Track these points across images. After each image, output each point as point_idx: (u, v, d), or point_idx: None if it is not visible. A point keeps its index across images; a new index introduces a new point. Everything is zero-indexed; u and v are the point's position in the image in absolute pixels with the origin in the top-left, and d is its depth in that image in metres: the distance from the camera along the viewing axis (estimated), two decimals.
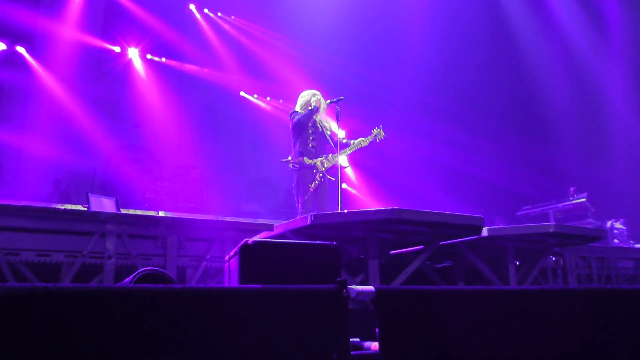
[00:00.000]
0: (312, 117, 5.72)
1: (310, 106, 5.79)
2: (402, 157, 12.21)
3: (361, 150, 5.94)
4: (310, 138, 5.70)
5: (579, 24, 11.61)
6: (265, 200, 12.44)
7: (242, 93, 13.35)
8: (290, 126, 5.84)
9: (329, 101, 5.81)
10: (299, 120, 5.72)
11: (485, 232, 4.20)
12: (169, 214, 5.43)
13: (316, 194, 5.62)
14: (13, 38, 10.45)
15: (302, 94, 5.95)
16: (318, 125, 5.81)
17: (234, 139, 12.94)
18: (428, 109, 12.78)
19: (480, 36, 12.21)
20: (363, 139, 5.78)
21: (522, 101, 12.17)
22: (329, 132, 5.76)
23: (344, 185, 11.24)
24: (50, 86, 10.68)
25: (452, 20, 12.27)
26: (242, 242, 2.41)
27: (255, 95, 13.43)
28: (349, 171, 12.11)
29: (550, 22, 12.00)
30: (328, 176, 5.65)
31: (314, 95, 5.85)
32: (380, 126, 5.86)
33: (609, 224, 8.31)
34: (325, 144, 5.78)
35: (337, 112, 5.58)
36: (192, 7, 12.66)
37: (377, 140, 5.84)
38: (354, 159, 6.53)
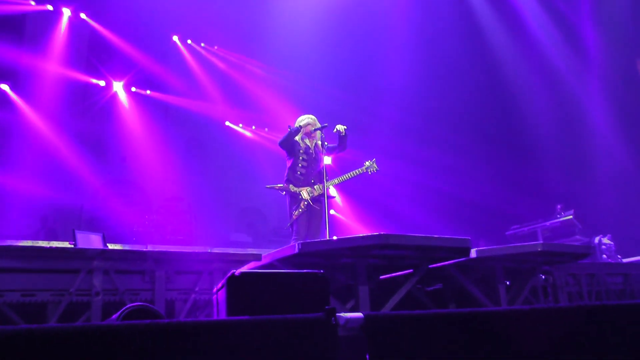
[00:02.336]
0: (290, 138, 5.77)
1: (311, 131, 5.87)
2: (389, 182, 12.15)
3: None
4: (300, 165, 5.75)
5: (557, 45, 11.80)
6: (254, 229, 12.36)
7: (227, 123, 13.38)
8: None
9: (313, 128, 5.88)
10: (279, 143, 5.82)
11: (473, 253, 4.22)
12: (157, 248, 5.38)
13: (304, 222, 5.65)
14: None
15: (297, 119, 6.03)
16: (312, 151, 5.86)
17: (221, 169, 12.83)
18: (414, 133, 12.86)
19: (463, 60, 12.32)
20: (354, 171, 5.86)
21: (506, 122, 12.23)
22: (325, 161, 5.82)
23: (331, 212, 11.32)
24: (35, 122, 10.64)
25: (434, 44, 12.37)
26: (229, 274, 2.39)
27: (241, 125, 13.47)
28: (337, 198, 12.22)
29: (529, 44, 12.14)
30: (312, 204, 5.67)
31: (307, 118, 5.93)
32: (374, 159, 5.95)
33: (596, 239, 8.33)
34: (317, 171, 5.81)
35: (322, 139, 5.66)
36: (175, 38, 12.68)
37: (369, 173, 5.92)
38: (340, 184, 6.39)
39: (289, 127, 5.80)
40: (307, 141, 5.93)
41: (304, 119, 5.91)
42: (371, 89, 12.86)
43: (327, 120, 5.97)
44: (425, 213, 11.97)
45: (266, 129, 13.30)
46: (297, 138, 5.89)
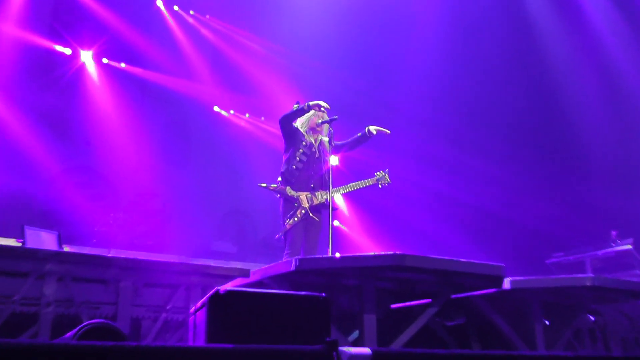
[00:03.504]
0: (297, 116, 5.92)
1: (317, 124, 6.00)
2: (407, 189, 12.02)
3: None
4: (297, 159, 5.88)
5: (623, 45, 11.57)
6: (242, 237, 12.41)
7: (216, 108, 13.27)
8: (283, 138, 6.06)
9: (320, 120, 6.00)
10: (281, 118, 5.93)
11: (507, 283, 4.20)
12: (122, 253, 5.36)
13: (299, 233, 5.77)
14: None
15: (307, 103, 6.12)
16: (315, 149, 5.99)
17: (205, 163, 12.79)
18: (440, 134, 12.74)
19: (507, 54, 12.04)
20: (362, 181, 6.05)
21: (554, 129, 11.97)
22: (331, 160, 5.94)
23: (335, 223, 11.28)
24: None
25: (473, 32, 12.18)
26: (211, 291, 2.39)
27: (232, 111, 13.38)
28: (342, 208, 12.26)
29: (589, 41, 11.87)
30: (311, 215, 5.80)
31: (320, 103, 6.00)
32: (387, 170, 6.12)
33: None
34: (319, 174, 5.94)
35: (330, 134, 5.78)
36: (159, 2, 12.61)
37: (380, 186, 6.10)
38: (348, 194, 6.57)
39: (297, 102, 5.94)
40: (310, 136, 6.05)
41: (317, 103, 5.97)
42: (393, 79, 12.70)
43: (336, 112, 5.99)
44: (450, 230, 11.91)
45: (262, 118, 13.28)
46: (301, 128, 6.02)
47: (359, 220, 12.80)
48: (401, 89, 12.71)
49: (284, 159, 6.00)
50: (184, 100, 12.79)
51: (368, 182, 6.07)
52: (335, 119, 5.79)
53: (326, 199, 5.84)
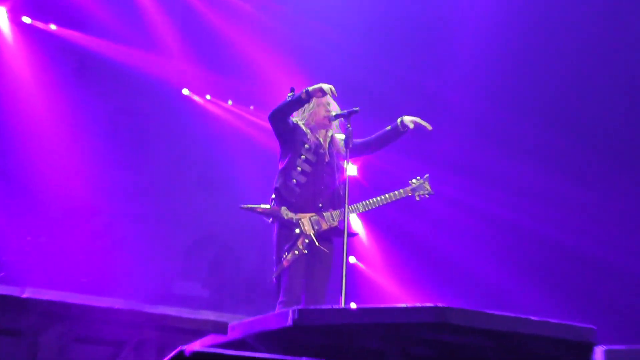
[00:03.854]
0: (290, 110, 6.07)
1: (325, 117, 6.17)
2: (449, 213, 12.14)
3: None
4: (299, 169, 6.04)
5: None
6: (218, 277, 12.38)
7: (185, 91, 13.07)
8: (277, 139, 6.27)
9: (334, 112, 6.16)
10: (270, 115, 6.13)
11: (599, 354, 4.19)
12: (44, 294, 5.29)
13: (300, 272, 5.95)
14: None
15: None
16: (324, 151, 6.17)
17: (169, 169, 12.68)
18: (497, 137, 12.64)
19: (593, 41, 11.98)
20: (392, 194, 6.27)
21: None
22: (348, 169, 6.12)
23: (351, 259, 11.53)
24: None
25: (547, 9, 12.26)
26: (173, 353, 2.37)
27: (209, 97, 13.25)
28: (361, 235, 12.17)
29: None
30: (318, 244, 5.96)
31: (325, 87, 6.05)
32: (426, 176, 6.35)
33: None
34: (331, 189, 6.15)
35: (348, 132, 5.91)
36: None
37: (418, 198, 6.32)
38: (367, 213, 6.91)
39: (292, 89, 6.12)
40: (316, 135, 6.21)
41: (318, 88, 6.04)
42: (434, 61, 12.75)
43: (353, 101, 6.30)
44: (513, 273, 11.86)
45: (251, 107, 13.20)
46: (302, 125, 6.18)
47: (384, 254, 12.73)
48: (447, 74, 12.64)
49: (279, 167, 6.16)
50: (140, 79, 12.54)
51: (400, 193, 6.24)
52: (355, 111, 5.94)
53: (339, 222, 5.99)
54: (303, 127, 6.16)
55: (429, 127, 6.19)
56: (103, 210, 11.44)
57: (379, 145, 6.32)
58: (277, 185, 6.05)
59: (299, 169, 6.00)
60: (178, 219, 12.39)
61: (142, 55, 12.54)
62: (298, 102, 6.00)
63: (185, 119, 13.02)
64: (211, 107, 13.36)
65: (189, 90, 13.17)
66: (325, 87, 5.91)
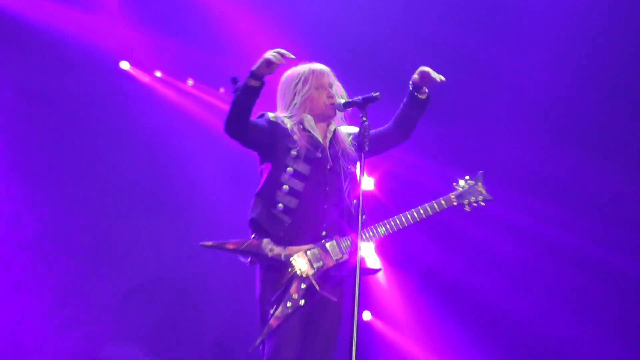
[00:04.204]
0: (245, 104, 5.40)
1: (328, 106, 5.74)
2: (501, 238, 10.63)
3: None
4: (285, 187, 5.49)
5: None
6: (169, 339, 10.64)
7: (124, 64, 11.45)
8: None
9: (343, 101, 5.61)
10: (225, 126, 5.53)
11: None
12: None
13: (295, 333, 5.37)
14: None
15: (286, 75, 5.86)
16: (327, 154, 5.67)
17: (96, 178, 10.79)
18: (568, 131, 11.40)
19: None
20: (430, 205, 5.72)
21: None
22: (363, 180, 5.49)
23: (365, 316, 10.53)
24: None
25: None
26: None
27: (159, 73, 11.60)
28: (380, 272, 10.71)
29: None
30: (318, 288, 5.34)
31: (315, 69, 5.76)
32: (480, 174, 5.93)
33: None
34: (338, 202, 5.59)
35: (363, 128, 5.12)
36: None
37: (468, 208, 5.81)
38: (392, 236, 5.86)
39: (233, 79, 5.49)
40: (311, 131, 5.65)
41: (305, 71, 5.76)
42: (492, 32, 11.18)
43: (376, 86, 5.89)
44: (602, 335, 10.37)
45: (221, 90, 11.73)
46: (284, 121, 5.65)
47: (411, 303, 11.09)
48: (509, 47, 11.27)
49: (261, 181, 5.66)
50: (58, 46, 10.87)
51: (441, 204, 5.70)
52: (374, 98, 5.22)
53: (351, 253, 5.44)
54: (286, 122, 5.54)
55: (439, 79, 5.55)
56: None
57: (400, 129, 5.73)
58: (254, 216, 5.44)
59: (285, 187, 5.40)
60: (111, 254, 10.76)
61: (59, 10, 10.93)
62: (249, 94, 5.31)
63: (123, 106, 11.35)
64: (163, 89, 11.67)
65: (129, 63, 11.61)
66: (270, 54, 5.25)
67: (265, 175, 5.59)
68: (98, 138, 10.95)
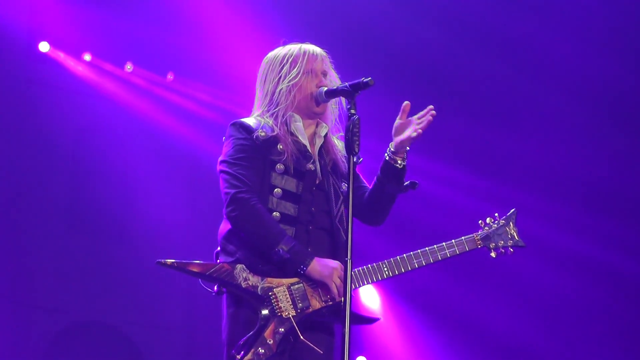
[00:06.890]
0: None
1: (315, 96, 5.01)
2: (548, 280, 10.06)
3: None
4: (274, 201, 4.90)
5: None
6: None
7: (43, 46, 10.63)
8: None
9: (325, 88, 4.94)
10: (234, 223, 4.68)
11: None
12: None
13: None
14: None
15: (269, 56, 5.12)
16: (316, 168, 5.00)
17: (12, 190, 10.16)
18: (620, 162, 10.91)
19: None
20: (450, 244, 4.92)
21: None
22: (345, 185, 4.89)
23: None
24: None
25: None
26: None
27: (88, 57, 10.69)
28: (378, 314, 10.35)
29: None
30: (302, 337, 4.66)
31: (305, 52, 5.03)
32: (513, 211, 5.17)
33: None
34: (329, 220, 4.84)
35: (351, 124, 4.52)
36: None
37: (494, 254, 5.01)
38: (392, 280, 4.98)
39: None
40: (301, 135, 4.99)
41: (294, 51, 5.07)
42: (528, 44, 10.97)
43: (368, 71, 5.38)
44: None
45: (170, 76, 11.04)
46: (261, 122, 4.97)
47: (415, 347, 10.95)
48: (543, 67, 11.10)
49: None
50: None
51: (462, 245, 4.82)
52: (364, 84, 4.55)
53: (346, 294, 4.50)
54: (262, 125, 4.72)
55: (432, 112, 4.66)
56: None
57: (370, 210, 4.78)
58: (225, 234, 4.69)
59: (276, 215, 4.62)
60: (35, 288, 10.21)
61: None
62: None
63: (43, 97, 10.86)
64: (94, 76, 11.04)
65: (51, 44, 10.81)
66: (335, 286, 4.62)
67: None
68: (8, 136, 10.25)
